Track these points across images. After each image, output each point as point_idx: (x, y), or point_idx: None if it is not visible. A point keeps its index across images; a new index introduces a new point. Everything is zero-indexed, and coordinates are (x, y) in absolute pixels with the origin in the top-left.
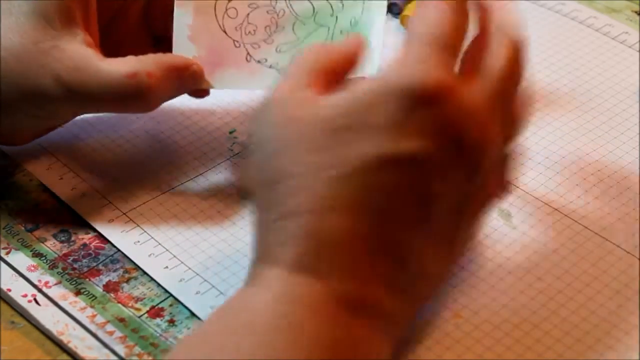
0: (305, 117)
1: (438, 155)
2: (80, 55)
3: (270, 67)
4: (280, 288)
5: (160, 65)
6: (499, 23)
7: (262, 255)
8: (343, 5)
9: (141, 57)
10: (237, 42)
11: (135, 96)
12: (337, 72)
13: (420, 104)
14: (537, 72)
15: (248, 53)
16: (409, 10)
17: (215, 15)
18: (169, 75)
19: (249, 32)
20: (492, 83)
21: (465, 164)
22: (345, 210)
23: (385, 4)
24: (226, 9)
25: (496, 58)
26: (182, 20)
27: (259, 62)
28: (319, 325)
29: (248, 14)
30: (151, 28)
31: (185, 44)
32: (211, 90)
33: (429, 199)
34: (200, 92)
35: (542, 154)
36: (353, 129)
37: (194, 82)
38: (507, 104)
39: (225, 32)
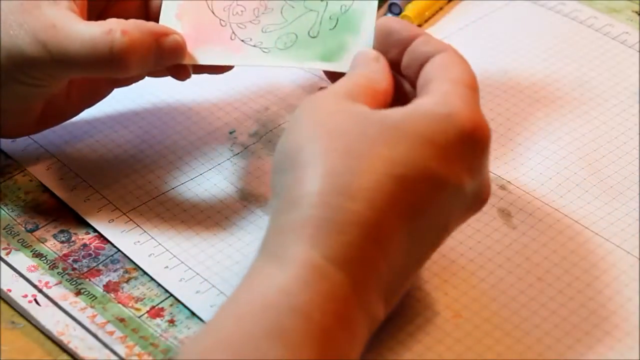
0: (362, 114)
1: (468, 189)
2: (60, 15)
3: (254, 46)
4: (306, 272)
5: (139, 27)
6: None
7: (282, 233)
8: None
9: (121, 19)
10: (224, 21)
11: (109, 54)
12: (387, 97)
13: (471, 145)
14: (537, 72)
15: (233, 32)
16: (409, 10)
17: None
18: (147, 39)
19: (237, 12)
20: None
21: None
22: (391, 208)
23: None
24: None
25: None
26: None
27: (242, 40)
28: (333, 315)
29: None
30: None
31: (171, 20)
32: (211, 91)
33: (445, 223)
34: (181, 72)
35: (542, 154)
36: (411, 135)
37: (174, 52)
38: None
39: (213, 12)
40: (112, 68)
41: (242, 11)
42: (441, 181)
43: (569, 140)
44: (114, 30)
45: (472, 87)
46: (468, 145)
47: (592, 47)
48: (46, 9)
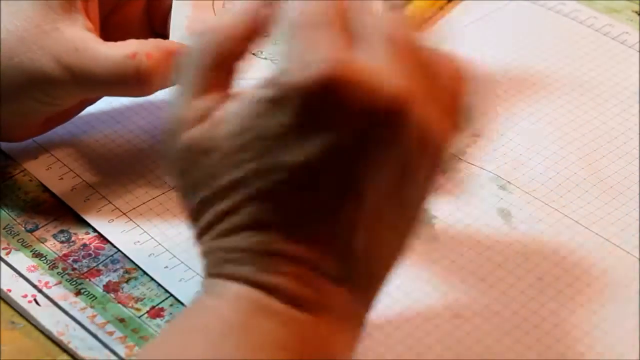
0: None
1: (349, 144)
2: (80, 37)
3: (265, 58)
4: (231, 294)
5: (159, 48)
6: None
7: (210, 270)
8: None
9: (141, 40)
10: None
11: (135, 77)
12: (231, 62)
13: (319, 99)
14: (537, 72)
15: None
16: (409, 10)
17: (213, 7)
18: (166, 59)
19: None
20: (383, 42)
21: (390, 144)
22: (276, 221)
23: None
24: (224, 2)
25: (376, 18)
26: (181, 12)
27: (253, 53)
28: (270, 324)
29: None
30: (151, 25)
31: (182, 34)
32: None
33: (362, 189)
34: None
35: (542, 154)
36: (255, 148)
37: None
38: (425, 66)
39: None
40: (137, 90)
41: None
42: (313, 164)
43: (569, 140)
44: (139, 53)
45: (316, 22)
46: (322, 102)
47: (592, 47)
48: (65, 30)
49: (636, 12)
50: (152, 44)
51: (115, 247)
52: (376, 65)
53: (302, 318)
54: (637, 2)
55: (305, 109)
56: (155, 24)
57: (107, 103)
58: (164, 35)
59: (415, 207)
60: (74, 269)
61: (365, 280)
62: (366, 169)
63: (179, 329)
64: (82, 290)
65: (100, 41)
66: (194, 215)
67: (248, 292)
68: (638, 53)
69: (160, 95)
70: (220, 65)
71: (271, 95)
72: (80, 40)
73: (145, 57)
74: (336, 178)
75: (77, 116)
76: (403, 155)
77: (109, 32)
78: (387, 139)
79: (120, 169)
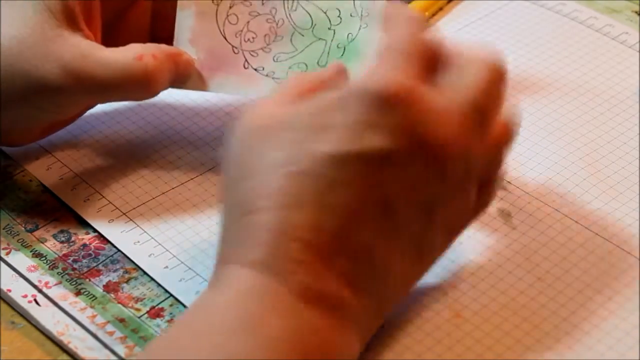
0: (271, 121)
1: (399, 155)
2: (84, 44)
3: (267, 75)
4: (241, 286)
5: (161, 50)
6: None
7: (225, 256)
8: (341, 20)
9: (142, 44)
10: (236, 48)
11: (144, 78)
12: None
13: (382, 106)
14: (537, 72)
15: (246, 60)
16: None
17: (217, 20)
18: (168, 60)
19: (248, 39)
20: (466, 95)
21: (431, 166)
22: (305, 206)
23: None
24: (227, 15)
25: (472, 75)
26: (185, 23)
27: (256, 69)
28: (280, 321)
29: (248, 22)
30: (155, 36)
31: (186, 46)
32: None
33: (392, 198)
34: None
35: (542, 154)
36: (313, 128)
37: (187, 71)
38: (486, 125)
39: (225, 38)
40: (143, 91)
41: (253, 38)
42: (350, 159)
43: (569, 141)
44: (146, 55)
45: (401, 51)
46: (382, 110)
47: (592, 47)
48: (69, 37)
49: (636, 12)
50: (154, 46)
51: (115, 247)
52: (441, 104)
53: (308, 315)
54: (637, 2)
55: (366, 110)
56: (160, 35)
57: (107, 104)
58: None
59: (442, 233)
60: (74, 269)
61: (379, 291)
62: (399, 184)
63: (187, 326)
64: (82, 290)
65: (102, 47)
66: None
67: (259, 281)
68: (638, 53)
69: (160, 95)
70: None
71: (345, 93)
72: (85, 47)
73: (152, 58)
74: (373, 183)
75: (77, 117)
76: (440, 178)
77: (111, 41)
78: (430, 163)
79: (120, 169)
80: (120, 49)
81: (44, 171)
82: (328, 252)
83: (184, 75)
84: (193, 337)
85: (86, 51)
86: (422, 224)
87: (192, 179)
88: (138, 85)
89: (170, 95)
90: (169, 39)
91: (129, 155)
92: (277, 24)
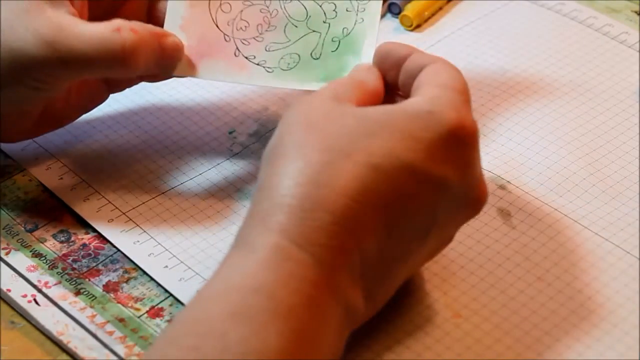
0: (344, 109)
1: (455, 187)
2: (64, 17)
3: (258, 64)
4: (265, 254)
5: (144, 26)
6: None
7: (254, 221)
8: (336, 13)
9: (124, 20)
10: (228, 36)
11: (121, 52)
12: (375, 98)
13: (458, 141)
14: (537, 72)
15: (237, 48)
16: (408, 10)
17: (209, 8)
18: (150, 38)
19: (241, 28)
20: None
21: (471, 206)
22: (357, 197)
23: (378, 18)
24: (220, 4)
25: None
26: (176, 9)
27: (246, 58)
28: (290, 296)
29: (242, 11)
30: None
31: (176, 31)
32: (210, 90)
33: (430, 222)
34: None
35: (542, 154)
36: (391, 128)
37: (173, 54)
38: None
39: (217, 26)
40: (121, 66)
41: (246, 26)
42: (422, 175)
43: (568, 140)
44: (123, 28)
45: (461, 91)
46: (452, 143)
47: (592, 47)
48: (51, 12)
49: (636, 12)
50: (138, 23)
51: (114, 247)
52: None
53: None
54: (637, 2)
55: (445, 137)
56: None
57: (107, 104)
58: None
59: (432, 222)
60: (73, 269)
61: (378, 286)
62: (439, 210)
63: (211, 289)
64: (82, 290)
65: (84, 21)
66: None
67: (282, 246)
68: (638, 53)
69: (160, 95)
70: None
71: (421, 112)
72: (65, 20)
73: (130, 31)
74: (424, 203)
75: (77, 117)
76: (458, 218)
77: None
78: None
79: (120, 170)
80: (102, 23)
81: (44, 171)
82: (352, 242)
83: (171, 58)
84: (209, 303)
85: (65, 24)
86: (419, 241)
87: (191, 179)
88: (115, 58)
89: (170, 96)
90: None
91: (128, 155)
92: (270, 14)
